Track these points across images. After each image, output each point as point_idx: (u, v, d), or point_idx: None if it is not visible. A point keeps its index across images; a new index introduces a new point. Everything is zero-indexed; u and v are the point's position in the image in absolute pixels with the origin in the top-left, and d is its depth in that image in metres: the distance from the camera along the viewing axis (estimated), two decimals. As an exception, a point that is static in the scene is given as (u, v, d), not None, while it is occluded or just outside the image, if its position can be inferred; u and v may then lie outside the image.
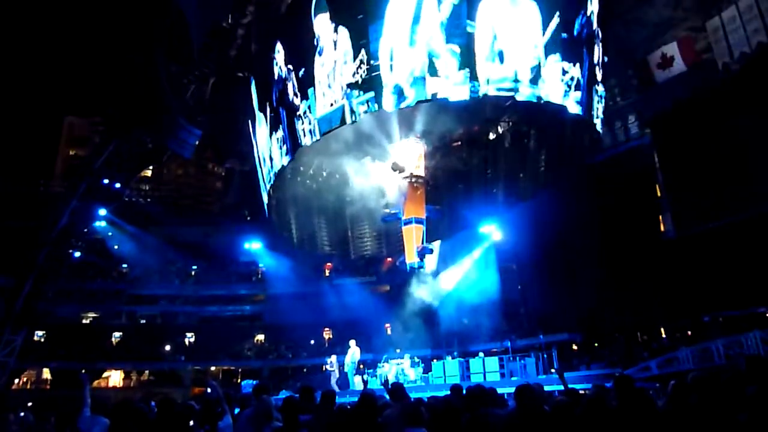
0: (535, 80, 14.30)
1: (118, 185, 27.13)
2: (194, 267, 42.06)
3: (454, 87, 13.82)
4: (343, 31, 14.58)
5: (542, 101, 14.52)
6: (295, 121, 15.91)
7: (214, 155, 41.24)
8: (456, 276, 28.79)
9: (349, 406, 5.74)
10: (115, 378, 38.42)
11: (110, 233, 35.69)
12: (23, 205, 38.64)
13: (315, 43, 15.24)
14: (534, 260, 32.15)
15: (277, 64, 16.81)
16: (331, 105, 14.84)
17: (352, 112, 14.37)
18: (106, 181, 26.50)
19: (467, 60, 13.79)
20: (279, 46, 16.86)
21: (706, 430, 3.82)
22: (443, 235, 22.63)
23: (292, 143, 16.28)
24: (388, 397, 5.95)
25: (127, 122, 25.10)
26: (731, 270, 21.60)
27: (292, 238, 21.87)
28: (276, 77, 16.87)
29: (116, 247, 37.47)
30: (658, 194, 26.21)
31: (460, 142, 19.12)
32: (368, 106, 14.20)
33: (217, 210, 61.61)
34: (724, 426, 3.77)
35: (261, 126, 18.63)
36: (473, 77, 13.80)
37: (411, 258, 17.23)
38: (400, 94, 13.91)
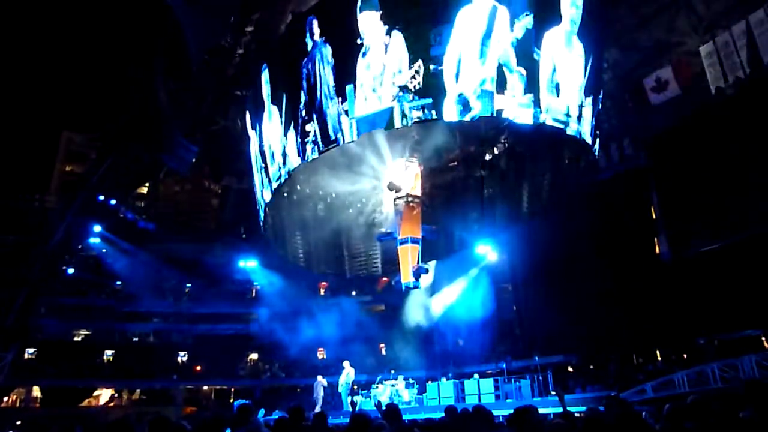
0: (579, 118, 15.06)
1: (113, 201, 27.10)
2: (188, 284, 41.81)
3: (519, 108, 13.98)
4: (397, 36, 14.05)
5: (581, 138, 15.33)
6: (328, 117, 14.98)
7: (211, 172, 41.24)
8: (451, 296, 28.66)
9: (341, 427, 5.67)
10: (105, 396, 37.89)
11: (104, 250, 35.47)
12: (18, 219, 38.47)
13: (358, 40, 14.50)
14: (529, 281, 32.16)
15: (317, 57, 15.45)
16: (378, 106, 14.20)
17: (404, 116, 13.85)
18: (101, 197, 26.45)
19: (532, 85, 14.04)
20: (315, 25, 15.55)
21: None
22: (439, 256, 22.59)
23: (324, 139, 15.18)
24: (381, 418, 5.88)
25: (124, 138, 25.16)
26: (726, 292, 21.62)
27: (287, 257, 21.79)
28: (307, 69, 15.59)
29: (110, 263, 37.23)
30: (654, 216, 26.33)
31: (456, 162, 19.17)
32: (424, 112, 13.76)
33: (212, 227, 61.40)
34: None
35: (272, 120, 17.50)
36: (536, 103, 14.13)
37: (406, 278, 17.14)
38: (465, 105, 13.71)
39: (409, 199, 17.40)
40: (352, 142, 14.92)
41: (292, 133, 16.27)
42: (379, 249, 21.34)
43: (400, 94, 13.84)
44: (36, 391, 35.46)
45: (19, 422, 28.32)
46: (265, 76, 17.68)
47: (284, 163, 16.75)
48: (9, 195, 51.63)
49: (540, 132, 15.48)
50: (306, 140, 15.69)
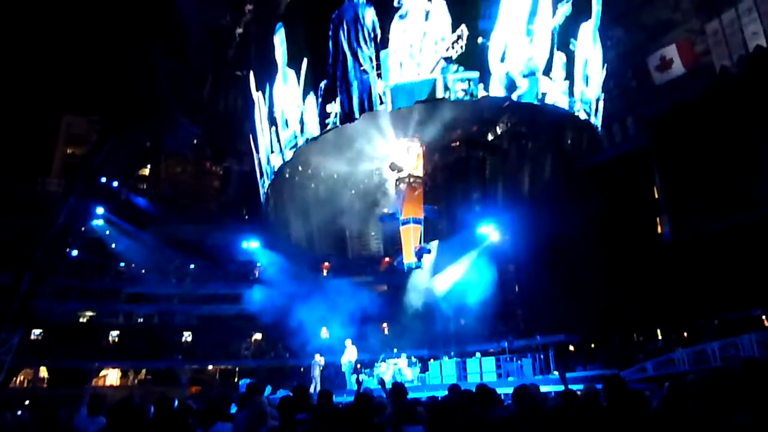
0: (597, 112, 15.43)
1: (115, 184, 27.10)
2: (192, 266, 41.95)
3: (560, 94, 14.17)
4: (439, 2, 13.67)
5: (597, 130, 16.01)
6: (372, 81, 14.12)
7: (213, 154, 41.16)
8: (453, 277, 28.77)
9: (345, 406, 5.73)
10: (112, 377, 38.30)
11: (107, 232, 35.57)
12: (21, 203, 38.52)
13: (395, 2, 13.98)
14: (531, 261, 32.22)
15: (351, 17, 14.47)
16: (416, 75, 13.78)
17: (447, 88, 13.46)
18: (103, 179, 26.44)
19: (569, 73, 14.25)
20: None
21: (699, 430, 3.82)
22: (441, 236, 22.63)
23: (363, 104, 14.29)
24: (384, 396, 5.95)
25: (124, 120, 25.06)
26: (727, 273, 21.66)
27: (290, 238, 21.84)
28: (338, 29, 14.61)
29: (113, 245, 37.34)
30: (656, 196, 26.26)
31: (458, 143, 19.11)
32: (470, 85, 13.43)
33: (214, 209, 61.46)
34: (718, 427, 3.77)
35: (288, 84, 16.55)
36: (571, 92, 14.34)
37: (408, 258, 17.21)
38: (512, 84, 13.65)
39: (411, 179, 17.40)
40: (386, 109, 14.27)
41: (312, 99, 15.51)
42: (381, 229, 21.39)
43: (443, 65, 13.45)
44: (43, 372, 35.89)
45: (27, 402, 28.65)
46: (279, 37, 16.80)
47: (302, 131, 15.95)
48: (11, 179, 51.73)
49: (543, 112, 15.49)
50: (328, 110, 14.97)
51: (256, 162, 19.28)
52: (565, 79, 14.24)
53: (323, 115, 15.13)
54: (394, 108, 14.18)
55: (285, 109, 16.68)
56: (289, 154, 16.68)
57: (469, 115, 16.99)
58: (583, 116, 14.93)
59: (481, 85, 13.49)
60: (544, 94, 13.87)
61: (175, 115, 23.51)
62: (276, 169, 17.54)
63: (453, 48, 13.29)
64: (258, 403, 5.48)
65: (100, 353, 36.16)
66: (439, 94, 13.50)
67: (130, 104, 24.90)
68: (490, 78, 13.52)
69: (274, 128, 17.22)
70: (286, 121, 16.58)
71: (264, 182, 18.67)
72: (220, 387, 36.94)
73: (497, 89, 13.65)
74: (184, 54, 22.33)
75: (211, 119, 25.08)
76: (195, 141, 31.53)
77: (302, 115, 15.85)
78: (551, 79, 14.01)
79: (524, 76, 13.67)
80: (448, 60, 13.41)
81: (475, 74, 13.44)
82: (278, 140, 16.98)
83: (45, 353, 34.51)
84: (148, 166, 60.47)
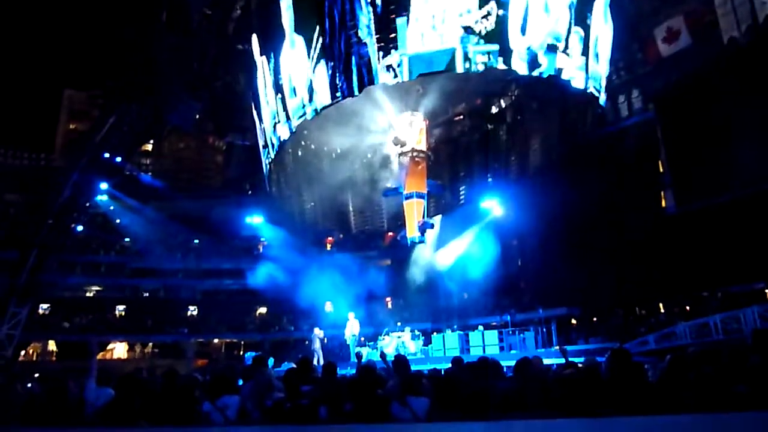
0: (605, 89, 15.85)
1: (118, 159, 27.03)
2: (196, 241, 42.19)
3: (576, 70, 14.12)
4: None
5: (601, 106, 16.37)
6: (371, 53, 13.88)
7: (215, 129, 41.06)
8: (456, 251, 28.80)
9: (349, 378, 5.81)
10: (119, 350, 38.86)
11: (112, 207, 35.73)
12: (25, 179, 38.61)
13: None
14: (534, 235, 32.18)
15: None
16: (438, 45, 13.53)
17: (467, 59, 13.27)
18: (106, 155, 26.38)
19: (585, 49, 14.21)
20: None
21: (700, 401, 3.86)
22: (444, 210, 22.64)
23: (362, 78, 14.06)
24: (385, 369, 6.03)
25: (126, 95, 24.88)
26: (731, 246, 21.63)
27: (293, 213, 21.87)
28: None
29: (118, 221, 37.54)
30: (661, 170, 26.13)
31: (462, 116, 18.99)
32: (489, 58, 13.25)
33: (218, 184, 61.62)
34: (719, 397, 3.81)
35: (296, 50, 16.01)
36: (586, 68, 14.34)
37: (412, 232, 17.27)
38: (533, 60, 13.50)
39: (414, 153, 17.35)
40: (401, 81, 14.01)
41: (322, 68, 15.06)
42: (384, 204, 21.40)
43: (463, 35, 13.22)
44: (52, 345, 36.43)
45: (36, 375, 29.15)
46: (286, 1, 16.24)
47: (310, 100, 15.50)
48: (15, 155, 51.79)
49: (548, 85, 15.36)
50: (338, 76, 14.50)
51: (259, 133, 19.03)
52: (582, 54, 14.20)
53: (335, 86, 14.64)
54: (412, 78, 13.85)
55: (293, 75, 16.12)
56: (296, 124, 16.27)
57: (473, 88, 16.88)
58: (593, 92, 14.92)
59: (501, 59, 13.32)
60: (560, 70, 13.78)
61: (177, 89, 23.33)
62: (283, 140, 17.21)
63: (480, 25, 13.15)
64: (265, 375, 5.56)
65: (108, 327, 36.62)
66: (459, 65, 13.30)
67: (131, 79, 24.69)
68: (512, 53, 13.34)
69: (280, 96, 16.73)
70: (294, 88, 16.09)
71: (268, 153, 18.43)
72: (226, 359, 37.49)
73: (519, 65, 13.49)
74: (185, 27, 22.05)
75: (213, 94, 24.90)
76: (197, 116, 31.34)
77: (311, 83, 15.39)
78: (568, 54, 13.90)
79: (545, 53, 13.55)
80: (468, 30, 13.16)
81: (495, 47, 13.26)
82: (285, 109, 16.53)
83: (53, 327, 34.96)
84: (151, 141, 60.54)
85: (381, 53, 13.90)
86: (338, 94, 14.61)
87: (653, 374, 5.60)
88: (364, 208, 22.15)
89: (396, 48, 13.75)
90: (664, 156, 25.76)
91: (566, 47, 13.84)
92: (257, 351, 29.13)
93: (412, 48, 13.64)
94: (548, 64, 13.61)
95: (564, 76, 13.97)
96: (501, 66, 13.40)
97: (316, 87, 15.29)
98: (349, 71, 14.12)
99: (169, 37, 22.85)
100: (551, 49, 13.62)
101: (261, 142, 19.03)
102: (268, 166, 19.18)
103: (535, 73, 13.71)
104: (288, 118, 16.42)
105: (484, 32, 13.19)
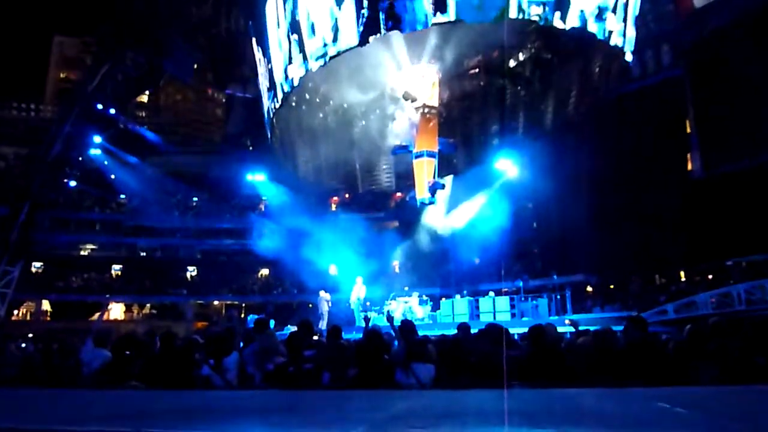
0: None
1: (112, 111, 26.94)
2: (195, 198, 42.28)
3: (617, 36, 14.55)
4: None
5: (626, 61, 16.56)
6: None
7: (215, 80, 40.64)
8: (468, 213, 28.79)
9: (355, 342, 5.88)
10: (116, 311, 39.48)
11: (106, 162, 35.71)
12: (14, 131, 38.61)
13: None
14: (551, 198, 32.05)
15: None
16: None
17: (521, 10, 12.99)
18: (100, 106, 26.26)
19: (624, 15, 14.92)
20: None
21: (720, 370, 3.89)
22: (456, 170, 22.51)
23: (398, 18, 13.49)
24: (392, 333, 6.09)
25: (120, 42, 24.58)
26: (760, 213, 21.43)
27: (297, 170, 21.80)
28: None
29: (113, 177, 37.56)
30: (688, 131, 25.75)
31: (477, 69, 18.63)
32: (545, 9, 13.02)
33: (217, 139, 61.35)
34: (739, 367, 3.83)
35: None
36: (624, 33, 15.24)
37: (421, 193, 17.21)
38: (584, 24, 13.64)
39: (426, 109, 17.13)
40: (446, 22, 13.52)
41: (350, 4, 14.35)
42: (393, 163, 21.27)
43: None
44: (46, 305, 37.05)
45: (30, 335, 29.79)
46: None
47: (334, 39, 14.82)
48: (3, 105, 51.66)
49: (569, 38, 15.08)
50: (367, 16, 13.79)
51: (265, 75, 18.45)
52: (622, 20, 14.69)
53: (364, 26, 13.93)
54: (457, 19, 13.30)
55: (312, 13, 15.47)
56: (314, 65, 15.63)
57: (490, 40, 16.48)
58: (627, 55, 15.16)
59: (558, 14, 13.09)
60: (610, 32, 14.20)
61: (174, 35, 23.00)
62: (296, 84, 16.68)
63: None
64: (269, 336, 5.64)
65: (104, 287, 37.12)
66: (513, 13, 13.03)
67: (125, 24, 24.34)
68: (569, 8, 13.15)
69: (296, 36, 16.03)
70: (313, 25, 15.39)
71: (274, 95, 17.87)
72: (227, 322, 38.08)
73: (573, 19, 13.40)
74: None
75: (212, 41, 24.54)
76: (196, 65, 30.99)
77: (336, 22, 14.68)
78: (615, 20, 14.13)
79: (595, 20, 13.77)
80: None
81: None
82: (301, 49, 15.88)
83: (47, 286, 35.53)
84: (147, 93, 60.09)
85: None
86: (370, 32, 13.88)
87: (672, 344, 5.63)
88: (371, 166, 22.03)
89: None
90: (692, 116, 25.34)
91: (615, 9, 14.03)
92: (260, 314, 29.50)
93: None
94: (598, 30, 13.89)
95: (613, 41, 14.45)
96: (557, 22, 13.26)
97: (341, 25, 14.58)
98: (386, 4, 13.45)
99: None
100: (603, 13, 13.68)
101: (266, 84, 18.53)
102: (271, 114, 18.87)
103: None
104: (305, 58, 15.78)
105: None
